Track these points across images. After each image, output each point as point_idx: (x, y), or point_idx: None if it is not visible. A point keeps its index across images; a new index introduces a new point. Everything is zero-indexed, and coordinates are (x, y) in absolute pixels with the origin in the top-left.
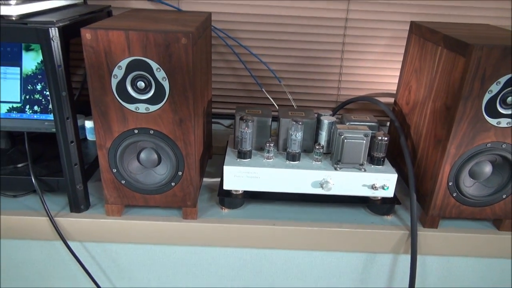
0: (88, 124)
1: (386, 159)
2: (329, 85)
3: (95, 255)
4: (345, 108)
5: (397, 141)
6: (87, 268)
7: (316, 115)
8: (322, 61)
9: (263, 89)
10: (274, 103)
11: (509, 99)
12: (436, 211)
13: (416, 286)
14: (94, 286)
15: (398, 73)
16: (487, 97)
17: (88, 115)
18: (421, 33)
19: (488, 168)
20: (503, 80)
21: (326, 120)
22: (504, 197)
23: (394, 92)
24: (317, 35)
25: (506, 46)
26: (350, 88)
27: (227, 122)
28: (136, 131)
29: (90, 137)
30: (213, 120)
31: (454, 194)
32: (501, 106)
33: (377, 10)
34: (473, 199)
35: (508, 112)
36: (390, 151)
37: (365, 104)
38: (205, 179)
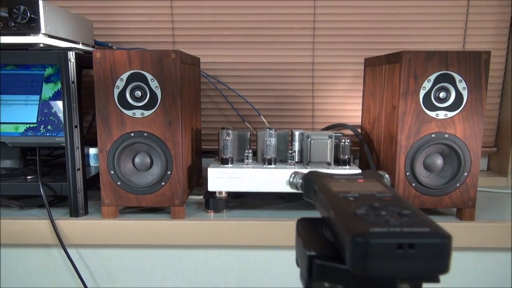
0: (92, 151)
1: (353, 161)
2: (303, 120)
3: (89, 262)
4: None
5: (365, 155)
6: (81, 273)
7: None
8: (296, 99)
9: (246, 122)
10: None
11: (441, 94)
12: None
13: None
14: None
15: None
16: (422, 92)
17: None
18: (371, 63)
19: (439, 160)
20: (432, 77)
21: (297, 132)
22: (458, 185)
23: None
24: (289, 77)
25: (429, 51)
26: (322, 122)
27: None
28: (132, 134)
29: (94, 163)
30: (203, 154)
31: (413, 184)
32: (436, 101)
33: (337, 54)
34: (431, 188)
35: (443, 105)
36: (363, 168)
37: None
38: (193, 196)
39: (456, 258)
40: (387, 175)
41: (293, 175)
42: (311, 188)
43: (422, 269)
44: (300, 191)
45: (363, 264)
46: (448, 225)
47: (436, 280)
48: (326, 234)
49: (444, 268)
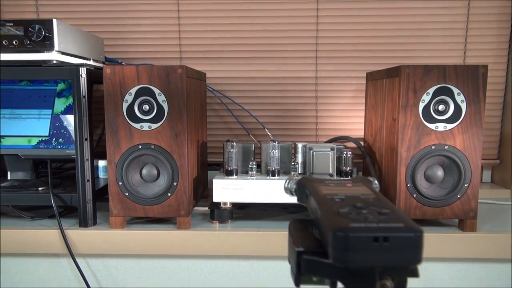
0: (101, 163)
1: (356, 173)
2: (307, 133)
3: (96, 271)
4: None
5: (368, 168)
6: (88, 282)
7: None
8: (299, 112)
9: (250, 134)
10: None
11: (440, 106)
12: None
13: None
14: None
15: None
16: (421, 105)
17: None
18: (373, 77)
19: (440, 172)
20: (431, 91)
21: (300, 144)
22: (459, 196)
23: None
24: (293, 91)
25: (427, 65)
26: (325, 135)
27: None
28: (140, 146)
29: (102, 175)
30: (209, 167)
31: (414, 195)
32: (435, 113)
33: (339, 69)
34: (432, 199)
35: (442, 117)
36: None
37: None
38: (199, 208)
39: (459, 269)
40: (376, 181)
41: (288, 181)
42: (303, 192)
43: (397, 261)
44: (294, 196)
45: (343, 256)
46: (450, 236)
47: (415, 274)
48: (315, 233)
49: (417, 260)
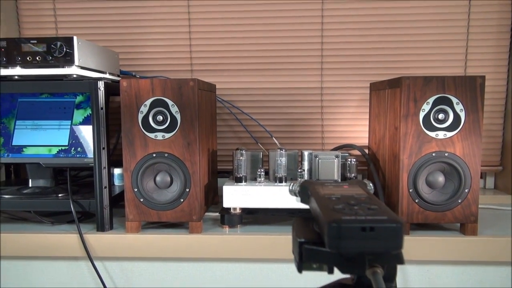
0: (116, 171)
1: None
2: (313, 141)
3: (113, 273)
4: None
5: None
6: (105, 284)
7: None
8: (305, 121)
9: (258, 143)
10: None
11: (440, 115)
12: (404, 217)
13: None
14: None
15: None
16: (421, 114)
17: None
18: (376, 88)
19: (441, 178)
20: (430, 100)
21: (306, 152)
22: (459, 201)
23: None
24: (299, 101)
25: (426, 76)
26: (331, 143)
27: None
28: (154, 155)
29: (117, 182)
30: (219, 174)
31: (416, 200)
32: (435, 122)
33: (344, 79)
34: (433, 204)
35: (442, 126)
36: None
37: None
38: (210, 213)
39: (460, 271)
40: (371, 184)
41: (292, 184)
42: (306, 194)
43: (381, 247)
44: (298, 197)
45: (337, 243)
46: (451, 239)
47: (401, 261)
48: (315, 228)
49: (398, 246)
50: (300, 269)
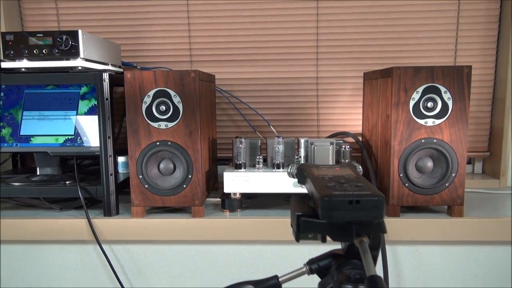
0: (120, 159)
1: None
2: (309, 129)
3: (120, 256)
4: None
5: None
6: (113, 266)
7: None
8: (302, 110)
9: (256, 131)
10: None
11: (429, 104)
12: (395, 200)
13: (390, 275)
14: (119, 285)
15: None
16: (412, 103)
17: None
18: (369, 77)
19: (430, 163)
20: (420, 89)
21: (302, 139)
22: (447, 185)
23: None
24: (296, 90)
25: (416, 66)
26: (326, 131)
27: None
28: (158, 143)
29: (121, 170)
30: (219, 162)
31: (407, 184)
32: (424, 110)
33: (339, 69)
34: (422, 188)
35: (431, 114)
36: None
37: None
38: (211, 198)
39: (448, 251)
40: (360, 166)
41: (290, 167)
42: (302, 175)
43: (365, 217)
44: (295, 178)
45: (328, 214)
46: (439, 221)
47: (383, 230)
48: (310, 204)
49: (380, 216)
50: (297, 239)
